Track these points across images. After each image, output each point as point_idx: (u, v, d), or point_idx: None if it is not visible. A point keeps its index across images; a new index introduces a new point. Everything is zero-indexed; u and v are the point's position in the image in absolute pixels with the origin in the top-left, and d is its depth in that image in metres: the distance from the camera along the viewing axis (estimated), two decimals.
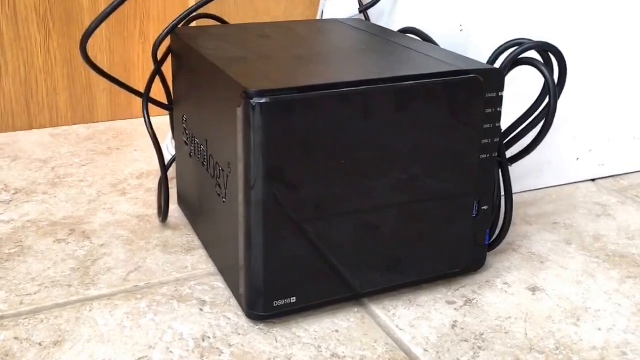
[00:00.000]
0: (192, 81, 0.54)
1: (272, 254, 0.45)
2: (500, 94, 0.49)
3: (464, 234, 0.52)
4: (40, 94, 0.88)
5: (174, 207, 0.67)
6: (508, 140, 0.56)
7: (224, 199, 0.49)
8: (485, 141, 0.50)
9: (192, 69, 0.54)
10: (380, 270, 0.50)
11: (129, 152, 0.82)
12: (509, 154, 0.56)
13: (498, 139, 0.50)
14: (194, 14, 0.59)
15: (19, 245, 0.59)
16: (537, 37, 0.65)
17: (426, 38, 0.59)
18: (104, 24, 0.88)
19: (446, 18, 0.65)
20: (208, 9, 0.85)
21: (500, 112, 0.49)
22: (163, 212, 0.62)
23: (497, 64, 0.53)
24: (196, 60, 0.52)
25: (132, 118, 0.95)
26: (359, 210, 0.47)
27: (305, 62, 0.49)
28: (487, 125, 0.49)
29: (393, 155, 0.46)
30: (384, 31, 0.61)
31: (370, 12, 0.75)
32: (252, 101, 0.41)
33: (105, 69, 0.90)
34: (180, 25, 0.59)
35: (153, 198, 0.69)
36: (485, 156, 0.50)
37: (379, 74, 0.46)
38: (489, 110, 0.49)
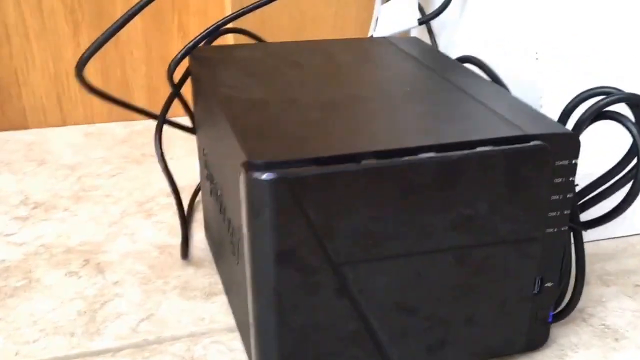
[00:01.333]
0: (208, 116, 0.47)
1: (285, 341, 0.38)
2: (574, 161, 0.40)
3: (521, 313, 0.44)
4: (72, 90, 0.84)
5: (200, 236, 0.61)
6: (584, 202, 0.47)
7: (237, 261, 0.42)
8: (553, 214, 0.41)
9: (206, 102, 0.47)
10: (420, 353, 0.42)
11: (156, 166, 0.76)
12: (585, 216, 0.47)
13: (568, 211, 0.42)
14: (219, 30, 0.52)
15: (27, 277, 0.55)
16: (625, 81, 0.54)
17: (488, 72, 0.50)
18: (138, 18, 0.81)
19: (520, 41, 0.55)
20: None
21: (572, 182, 0.40)
22: (182, 249, 0.56)
23: (577, 114, 0.44)
24: (209, 95, 0.45)
25: (172, 117, 0.89)
26: (396, 291, 0.39)
27: (333, 114, 0.41)
28: (556, 197, 0.40)
29: (434, 235, 0.38)
30: (438, 60, 0.52)
31: (434, 20, 0.66)
32: (254, 176, 0.33)
33: (142, 66, 0.84)
34: (201, 44, 0.52)
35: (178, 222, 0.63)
36: (551, 230, 0.42)
37: (421, 138, 0.37)
38: (559, 180, 0.40)
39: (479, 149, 0.37)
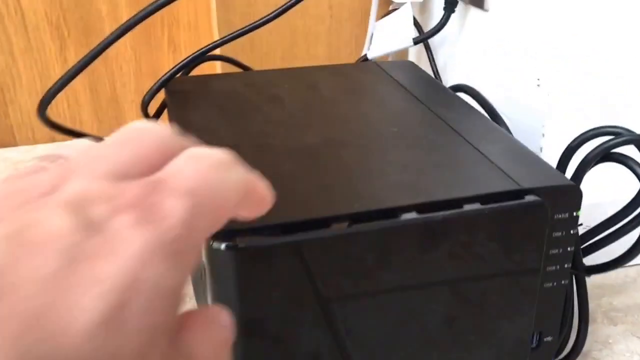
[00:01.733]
0: None
1: None
2: (575, 213, 0.36)
3: None
4: (60, 106, 0.80)
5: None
6: (588, 246, 0.43)
7: None
8: (552, 268, 0.37)
9: None
10: None
11: None
12: (589, 260, 0.43)
13: (569, 264, 0.38)
14: (197, 60, 0.49)
15: None
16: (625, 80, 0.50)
17: (484, 103, 0.46)
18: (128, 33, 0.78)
19: (521, 66, 0.51)
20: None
21: (574, 234, 0.36)
22: None
23: (581, 153, 0.40)
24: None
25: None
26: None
27: (308, 165, 0.37)
28: (555, 251, 0.36)
29: (419, 299, 0.34)
30: (431, 90, 0.48)
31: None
32: (214, 245, 0.30)
33: (132, 81, 0.81)
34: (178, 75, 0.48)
35: None
36: (550, 284, 0.38)
37: (402, 195, 0.33)
38: (558, 234, 0.36)
39: (466, 207, 0.33)
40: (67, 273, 0.16)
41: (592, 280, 0.44)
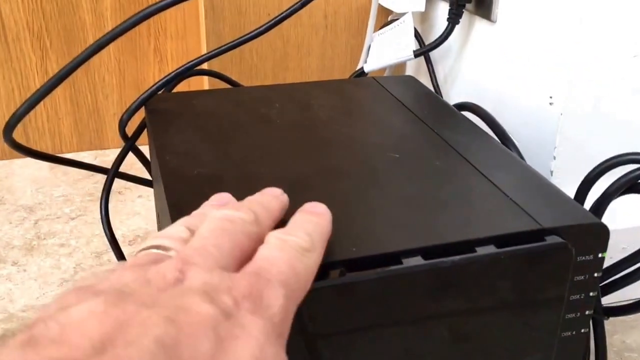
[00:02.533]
0: (157, 184, 0.39)
1: None
2: (601, 255, 0.32)
3: None
4: (39, 119, 0.76)
5: None
6: (606, 284, 0.39)
7: None
8: (571, 315, 0.33)
9: (155, 169, 0.39)
10: None
11: (131, 199, 0.69)
12: (607, 300, 0.39)
13: (591, 311, 0.34)
14: (181, 76, 0.44)
15: None
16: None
17: (491, 123, 0.42)
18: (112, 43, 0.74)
19: (531, 82, 0.47)
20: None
21: (597, 278, 0.32)
22: None
23: (603, 183, 0.36)
24: (156, 164, 0.37)
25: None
26: None
27: (298, 200, 0.33)
28: (576, 297, 0.32)
29: (422, 344, 0.30)
30: (434, 109, 0.44)
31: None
32: None
33: (114, 93, 0.77)
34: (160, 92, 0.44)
35: None
36: (569, 334, 0.34)
37: (405, 237, 0.29)
38: (581, 278, 0.32)
39: (479, 250, 0.29)
40: (219, 351, 0.20)
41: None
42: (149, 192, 0.70)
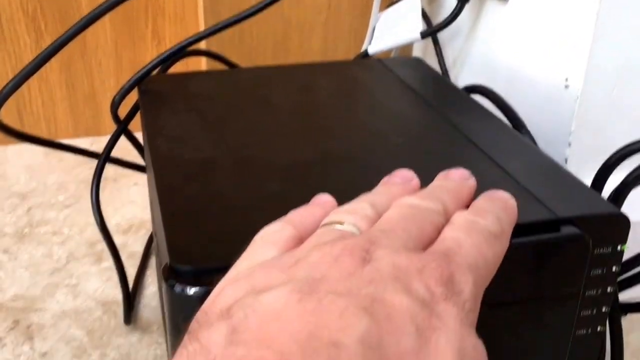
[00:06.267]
0: (150, 169, 0.37)
1: None
2: (620, 247, 0.29)
3: None
4: (34, 104, 0.74)
5: (152, 290, 0.51)
6: (624, 279, 0.37)
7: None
8: (587, 313, 0.31)
9: (147, 153, 0.37)
10: None
11: (127, 187, 0.67)
12: (625, 296, 0.37)
13: (608, 307, 0.31)
14: (175, 56, 0.42)
15: None
16: None
17: (503, 107, 0.40)
18: (107, 23, 0.72)
19: (546, 65, 0.45)
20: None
21: (615, 273, 0.30)
22: (124, 313, 0.47)
23: (620, 173, 0.34)
24: (148, 148, 0.35)
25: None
26: None
27: (296, 186, 0.30)
28: (592, 292, 0.30)
29: None
30: (443, 92, 0.42)
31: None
32: (176, 288, 0.24)
33: (111, 77, 0.75)
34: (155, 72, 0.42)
35: (133, 269, 0.53)
36: (584, 332, 0.31)
37: None
38: (598, 272, 0.30)
39: None
40: (420, 345, 0.19)
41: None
42: (145, 179, 0.68)
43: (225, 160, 0.32)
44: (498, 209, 0.25)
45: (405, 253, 0.22)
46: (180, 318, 0.24)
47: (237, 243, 0.24)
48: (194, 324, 0.21)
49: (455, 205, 0.26)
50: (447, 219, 0.25)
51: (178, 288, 0.24)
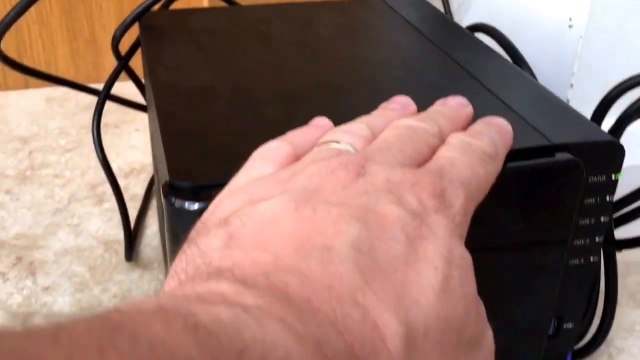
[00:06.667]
0: (151, 101, 0.37)
1: None
2: (614, 176, 0.30)
3: (530, 357, 0.35)
4: (35, 49, 0.74)
5: (153, 230, 0.52)
6: (620, 216, 0.37)
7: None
8: (580, 242, 0.31)
9: (148, 85, 0.37)
10: None
11: (128, 132, 0.67)
12: (620, 233, 0.37)
13: (602, 237, 0.32)
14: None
15: None
16: None
17: (506, 46, 0.39)
18: None
19: (550, 3, 0.45)
20: None
21: (610, 202, 0.30)
22: (126, 249, 0.47)
23: (618, 108, 0.34)
24: (149, 78, 0.35)
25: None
26: None
27: (294, 113, 0.31)
28: (585, 221, 0.30)
29: None
30: (446, 30, 0.42)
31: None
32: (176, 204, 0.24)
33: (113, 22, 0.74)
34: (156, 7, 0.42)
35: (134, 211, 0.54)
36: (577, 261, 0.32)
37: None
38: (591, 201, 0.30)
39: None
40: (409, 252, 0.20)
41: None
42: (146, 125, 0.68)
43: (225, 89, 0.33)
44: (493, 133, 0.26)
45: (399, 169, 0.22)
46: (180, 233, 0.25)
47: (235, 161, 0.24)
48: (192, 233, 0.22)
49: (451, 128, 0.26)
50: (442, 141, 0.25)
51: (177, 203, 0.24)
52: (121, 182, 0.58)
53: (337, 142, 0.24)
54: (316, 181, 0.21)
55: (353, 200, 0.21)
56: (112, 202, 0.55)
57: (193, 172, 0.25)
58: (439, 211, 0.21)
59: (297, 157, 0.24)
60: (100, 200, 0.56)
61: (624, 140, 0.32)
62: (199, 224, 0.22)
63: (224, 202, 0.22)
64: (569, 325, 0.34)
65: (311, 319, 0.17)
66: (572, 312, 0.34)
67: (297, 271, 0.19)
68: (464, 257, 0.21)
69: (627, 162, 0.32)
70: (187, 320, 0.14)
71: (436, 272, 0.20)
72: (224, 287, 0.18)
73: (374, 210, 0.20)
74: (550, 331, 0.34)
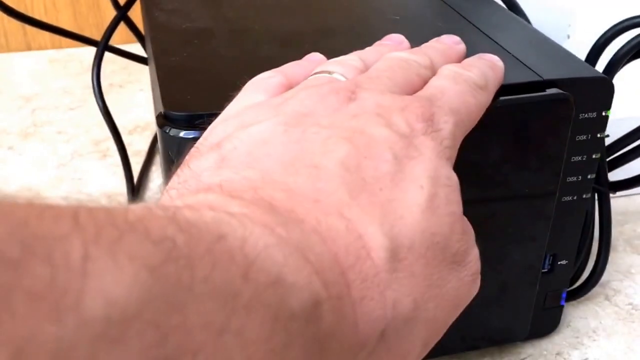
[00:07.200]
0: (149, 47, 0.38)
1: None
2: (605, 113, 0.30)
3: (525, 296, 0.35)
4: (37, 11, 0.74)
5: (157, 184, 0.53)
6: (613, 159, 0.38)
7: None
8: (572, 179, 0.32)
9: (148, 37, 0.37)
10: None
11: (132, 92, 0.67)
12: (614, 176, 0.38)
13: (593, 175, 0.32)
14: None
15: None
16: None
17: None
18: None
19: None
20: None
21: (601, 140, 0.31)
22: (129, 202, 0.48)
23: (612, 49, 0.34)
24: (146, 21, 0.35)
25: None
26: None
27: (289, 52, 0.31)
28: (577, 158, 0.31)
29: None
30: None
31: None
32: (170, 132, 0.25)
33: None
34: None
35: (137, 166, 0.55)
36: (569, 198, 0.32)
37: None
38: (582, 138, 0.30)
39: None
40: (396, 171, 0.20)
41: (614, 206, 0.39)
42: (140, 87, 0.69)
43: (222, 29, 0.33)
44: (485, 66, 0.26)
45: (389, 95, 0.23)
46: (175, 162, 0.25)
47: (228, 92, 0.25)
48: (186, 158, 0.22)
49: (443, 62, 0.26)
50: (433, 74, 0.25)
51: (172, 132, 0.25)
52: (125, 139, 0.59)
53: (329, 72, 0.25)
54: (307, 105, 0.22)
55: (342, 123, 0.21)
56: (116, 157, 0.56)
57: (187, 103, 0.26)
58: (427, 134, 0.22)
59: (289, 88, 0.25)
60: (104, 156, 0.56)
61: (619, 89, 0.32)
62: (192, 149, 0.23)
63: (217, 128, 0.23)
64: (563, 262, 0.35)
65: (295, 227, 0.18)
66: (566, 249, 0.35)
67: (285, 186, 0.19)
68: (450, 178, 0.22)
69: (623, 114, 0.32)
70: (168, 211, 0.15)
71: (422, 190, 0.20)
72: (211, 197, 0.18)
73: (362, 131, 0.21)
74: (545, 268, 0.35)
